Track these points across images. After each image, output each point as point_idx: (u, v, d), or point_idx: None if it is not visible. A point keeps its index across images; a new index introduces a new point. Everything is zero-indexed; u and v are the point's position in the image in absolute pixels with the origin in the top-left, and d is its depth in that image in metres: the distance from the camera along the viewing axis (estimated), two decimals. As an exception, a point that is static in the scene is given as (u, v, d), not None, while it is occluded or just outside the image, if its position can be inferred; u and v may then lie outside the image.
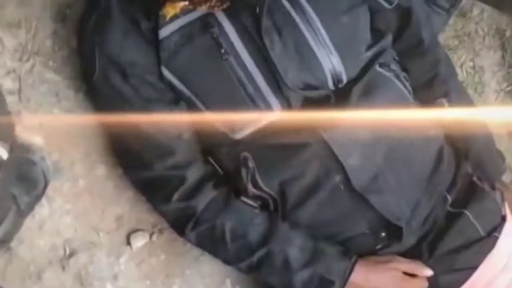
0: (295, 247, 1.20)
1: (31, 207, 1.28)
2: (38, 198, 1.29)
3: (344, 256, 1.21)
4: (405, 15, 1.28)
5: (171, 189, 1.21)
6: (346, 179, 1.18)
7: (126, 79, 1.15)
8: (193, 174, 1.21)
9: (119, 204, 1.37)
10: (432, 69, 1.34)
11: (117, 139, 1.26)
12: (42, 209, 1.32)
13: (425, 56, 1.33)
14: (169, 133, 1.19)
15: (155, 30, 1.13)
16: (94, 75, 1.18)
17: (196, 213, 1.21)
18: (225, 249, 1.22)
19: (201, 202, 1.21)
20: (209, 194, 1.22)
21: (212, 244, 1.24)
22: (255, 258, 1.21)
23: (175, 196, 1.20)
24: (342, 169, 1.17)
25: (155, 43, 1.14)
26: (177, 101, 1.18)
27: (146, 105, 1.17)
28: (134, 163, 1.24)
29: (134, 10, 1.14)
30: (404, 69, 1.30)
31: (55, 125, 1.35)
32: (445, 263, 1.24)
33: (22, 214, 1.26)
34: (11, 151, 0.86)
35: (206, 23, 1.12)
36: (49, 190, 1.32)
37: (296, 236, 1.21)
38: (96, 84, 1.20)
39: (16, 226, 1.15)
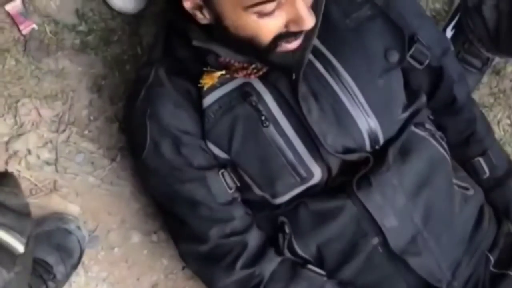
0: None
1: (67, 276, 1.28)
2: (74, 267, 1.30)
3: None
4: (437, 75, 1.27)
5: (233, 257, 1.16)
6: (384, 241, 1.15)
7: (178, 149, 1.14)
8: (254, 239, 1.18)
9: (155, 271, 1.36)
10: (468, 127, 1.32)
11: (170, 213, 1.21)
12: (79, 278, 1.33)
13: (460, 115, 1.31)
14: (224, 199, 1.16)
15: (201, 99, 1.13)
16: (145, 150, 1.16)
17: (262, 281, 1.16)
18: None
19: (267, 268, 1.17)
20: (274, 260, 1.18)
21: None
22: None
23: (239, 263, 1.15)
24: (379, 231, 1.15)
25: (202, 112, 1.14)
26: (225, 166, 1.17)
27: (199, 174, 1.15)
28: (190, 236, 1.19)
29: (182, 80, 1.15)
30: (440, 128, 1.29)
31: (91, 194, 1.36)
32: None
33: (58, 283, 1.26)
34: (27, 244, 0.87)
35: (244, 92, 1.13)
36: (85, 259, 1.33)
37: None
38: (146, 159, 1.17)
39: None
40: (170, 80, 1.15)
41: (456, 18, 1.51)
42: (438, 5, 1.54)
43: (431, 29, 1.26)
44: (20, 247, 0.86)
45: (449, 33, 1.51)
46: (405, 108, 1.20)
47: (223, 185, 1.16)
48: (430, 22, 1.31)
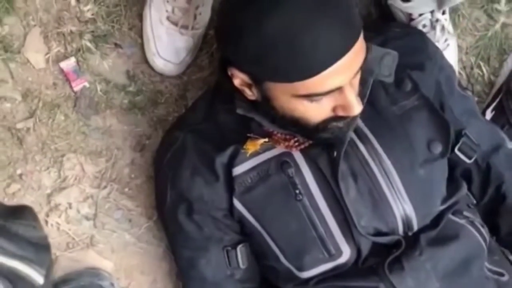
0: None
1: (97, 333, 1.29)
2: (104, 324, 1.30)
3: None
4: (485, 172, 1.27)
5: None
6: (418, 325, 1.14)
7: (191, 215, 1.19)
8: None
9: (183, 334, 1.36)
10: None
11: (179, 272, 1.30)
12: (108, 335, 1.33)
13: None
14: (221, 273, 1.21)
15: (228, 166, 1.16)
16: (164, 207, 1.23)
17: None
18: None
19: None
20: None
21: None
22: None
23: None
24: (412, 315, 1.14)
25: (227, 178, 1.16)
26: (237, 243, 1.20)
27: (206, 244, 1.20)
28: None
29: (208, 147, 1.18)
30: (494, 227, 1.28)
31: (126, 251, 1.38)
32: None
33: None
34: (47, 276, 0.90)
35: (283, 162, 1.14)
36: (115, 316, 1.33)
37: None
38: (166, 216, 1.25)
39: None
40: (196, 146, 1.19)
41: (497, 100, 1.52)
42: (478, 87, 1.55)
43: (481, 126, 1.28)
44: (40, 279, 0.89)
45: (488, 115, 1.51)
46: (444, 201, 1.20)
47: (224, 261, 1.20)
48: (481, 119, 1.32)
